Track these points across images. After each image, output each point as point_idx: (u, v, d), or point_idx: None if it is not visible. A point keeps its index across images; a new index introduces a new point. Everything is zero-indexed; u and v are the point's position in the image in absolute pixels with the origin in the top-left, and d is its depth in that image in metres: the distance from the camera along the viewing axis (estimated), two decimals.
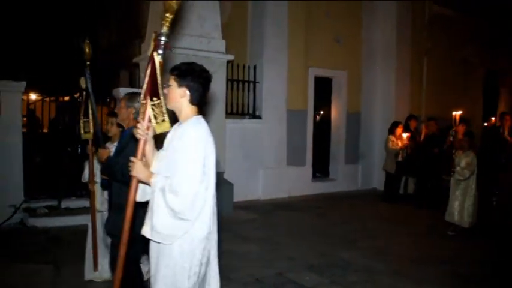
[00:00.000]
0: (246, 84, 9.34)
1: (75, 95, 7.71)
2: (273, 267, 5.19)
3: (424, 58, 12.07)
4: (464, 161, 6.95)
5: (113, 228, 3.38)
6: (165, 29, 2.51)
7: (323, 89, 10.90)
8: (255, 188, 9.35)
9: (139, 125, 2.56)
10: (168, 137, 2.66)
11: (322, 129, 10.90)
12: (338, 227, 7.31)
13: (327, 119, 11.08)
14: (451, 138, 7.66)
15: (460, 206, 6.93)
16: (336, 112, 10.98)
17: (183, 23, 7.51)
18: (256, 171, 9.34)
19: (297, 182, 9.90)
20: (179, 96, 2.60)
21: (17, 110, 6.96)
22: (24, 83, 6.91)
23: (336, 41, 10.62)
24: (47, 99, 8.29)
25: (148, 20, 8.18)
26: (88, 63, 4.10)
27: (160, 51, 2.51)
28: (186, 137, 2.50)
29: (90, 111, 4.34)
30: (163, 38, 2.51)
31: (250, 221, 7.61)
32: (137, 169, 2.52)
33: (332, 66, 10.66)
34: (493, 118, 11.31)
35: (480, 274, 5.19)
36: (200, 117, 2.64)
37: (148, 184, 2.52)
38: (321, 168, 10.97)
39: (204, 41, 7.74)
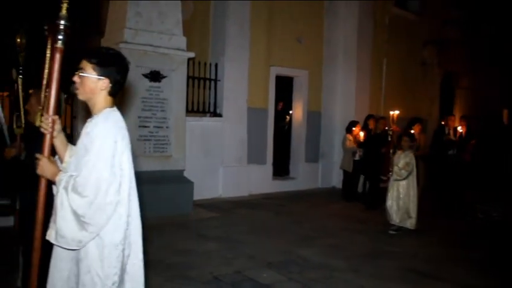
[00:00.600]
0: (207, 82, 9.29)
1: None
2: (232, 265, 5.19)
3: (384, 59, 12.31)
4: (403, 161, 6.99)
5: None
6: (64, 12, 2.27)
7: (284, 88, 10.99)
8: (215, 186, 9.32)
9: (43, 119, 2.29)
10: (82, 131, 2.36)
11: (284, 127, 10.98)
12: (297, 225, 7.38)
13: (283, 117, 11.17)
14: (389, 138, 7.69)
15: (399, 206, 6.98)
16: (297, 111, 11.07)
17: (143, 18, 7.43)
18: (216, 169, 9.32)
19: (257, 180, 9.93)
20: (98, 88, 2.31)
21: None
22: None
23: (297, 41, 10.70)
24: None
25: (108, 17, 8.05)
26: (22, 53, 3.88)
27: (61, 37, 2.27)
28: (94, 132, 2.23)
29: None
30: (62, 22, 2.27)
31: (210, 219, 7.58)
32: (42, 166, 2.25)
33: (293, 65, 10.74)
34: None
35: (435, 269, 5.34)
36: (114, 109, 2.37)
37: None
38: (281, 167, 11.04)
39: (165, 38, 7.65)
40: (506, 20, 18.19)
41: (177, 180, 7.90)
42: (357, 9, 11.32)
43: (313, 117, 11.23)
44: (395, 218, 6.99)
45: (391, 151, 7.15)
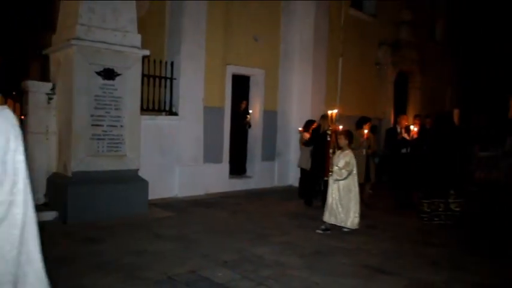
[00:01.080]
0: (163, 81, 9.20)
1: None
2: (186, 265, 5.16)
3: (340, 59, 12.52)
4: (342, 160, 6.88)
5: None
6: None
7: (241, 87, 11.01)
8: (171, 185, 9.25)
9: None
10: None
11: (245, 126, 10.95)
12: (252, 223, 7.40)
13: (245, 116, 11.15)
14: (328, 138, 7.42)
15: (339, 206, 6.86)
16: (254, 110, 11.10)
17: (96, 15, 7.27)
18: (172, 168, 9.24)
19: (214, 179, 9.92)
20: None
21: None
22: None
23: (254, 40, 10.74)
24: None
25: (60, 12, 7.85)
26: None
27: None
28: None
29: None
30: None
31: (165, 218, 7.52)
32: None
33: (250, 64, 10.78)
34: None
35: (387, 264, 5.46)
36: (4, 108, 2.23)
37: None
38: (238, 166, 11.05)
39: (119, 35, 7.50)
40: (457, 22, 18.87)
41: (132, 179, 7.79)
42: (313, 9, 11.46)
43: (270, 116, 11.30)
44: (328, 217, 6.88)
45: (330, 151, 6.92)
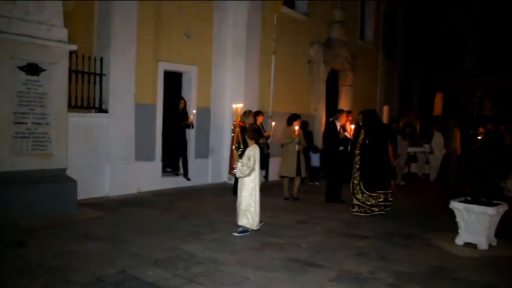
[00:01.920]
0: (92, 77, 8.92)
1: None
2: (116, 265, 5.05)
3: (273, 57, 12.63)
4: (245, 156, 6.52)
5: None
6: None
7: (175, 84, 10.89)
8: (101, 184, 9.00)
9: None
10: None
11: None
12: (185, 221, 7.35)
13: (177, 113, 11.00)
14: (232, 134, 7.41)
15: (242, 205, 6.59)
16: (187, 107, 10.99)
17: (17, 6, 6.92)
18: (103, 167, 9.00)
19: (146, 177, 9.76)
20: None
21: None
22: None
23: (186, 36, 10.64)
24: None
25: None
26: None
27: None
28: None
29: None
30: None
31: (95, 219, 7.31)
32: None
33: (182, 60, 10.67)
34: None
35: (317, 257, 5.62)
36: None
37: None
38: (171, 163, 10.92)
39: (44, 28, 7.18)
40: (387, 23, 19.61)
41: (59, 179, 7.51)
42: (246, 7, 11.50)
43: (203, 113, 11.24)
44: (242, 220, 6.58)
45: (233, 147, 6.63)
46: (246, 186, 6.55)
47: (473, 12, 22.74)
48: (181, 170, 10.82)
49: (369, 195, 8.26)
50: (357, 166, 8.44)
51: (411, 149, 14.24)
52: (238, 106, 6.84)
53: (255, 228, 6.58)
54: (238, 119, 6.81)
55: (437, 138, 13.98)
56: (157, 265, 5.12)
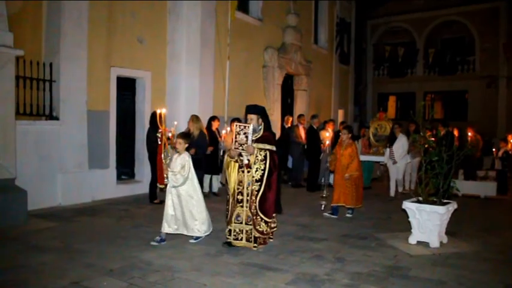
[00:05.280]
0: (41, 83, 8.65)
1: None
2: (68, 277, 4.89)
3: (227, 62, 12.61)
4: (178, 164, 6.24)
5: None
6: None
7: (129, 89, 10.71)
8: (53, 194, 8.72)
9: None
10: None
11: (127, 130, 10.62)
12: (140, 229, 7.20)
13: (131, 119, 10.83)
14: (159, 142, 6.45)
15: (180, 214, 6.34)
16: (140, 113, 10.82)
17: None
18: (54, 176, 8.72)
19: (100, 185, 9.52)
20: None
21: None
22: None
23: (138, 41, 10.48)
24: None
25: None
26: None
27: None
28: None
29: None
30: None
31: (47, 229, 7.06)
32: None
33: (136, 66, 10.50)
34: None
35: (273, 261, 5.61)
36: None
37: None
38: (127, 170, 10.73)
39: None
40: (340, 26, 19.98)
41: (7, 189, 7.22)
42: (200, 12, 11.43)
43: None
44: (169, 226, 6.32)
45: (162, 155, 6.24)
46: (190, 194, 6.34)
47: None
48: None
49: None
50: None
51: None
52: (162, 111, 6.25)
53: (203, 235, 6.42)
54: (163, 125, 6.27)
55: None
56: (112, 275, 5.00)
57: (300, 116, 13.14)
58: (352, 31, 21.99)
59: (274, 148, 6.22)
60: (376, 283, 4.95)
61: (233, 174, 6.22)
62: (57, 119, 8.80)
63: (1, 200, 7.00)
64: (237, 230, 6.19)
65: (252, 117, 6.25)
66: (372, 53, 26.33)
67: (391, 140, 11.22)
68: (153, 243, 6.25)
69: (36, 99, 8.58)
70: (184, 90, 11.36)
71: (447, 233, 6.73)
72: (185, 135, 6.68)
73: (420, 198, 6.81)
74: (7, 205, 7.11)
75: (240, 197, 6.17)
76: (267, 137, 6.25)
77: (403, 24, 25.09)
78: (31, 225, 7.21)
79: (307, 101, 17.21)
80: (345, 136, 8.58)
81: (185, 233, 6.36)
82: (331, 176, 10.94)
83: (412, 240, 6.64)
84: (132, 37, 10.36)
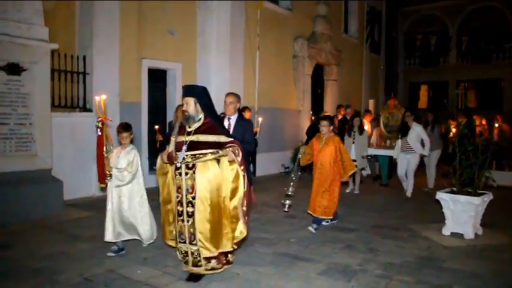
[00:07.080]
0: (75, 76, 8.83)
1: None
2: (104, 265, 5.01)
3: (257, 52, 12.59)
4: (124, 160, 5.41)
5: None
6: None
7: (160, 81, 10.83)
8: (88, 184, 8.93)
9: None
10: None
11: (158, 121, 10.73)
12: None
13: (163, 111, 10.95)
14: (99, 132, 5.40)
15: (122, 217, 5.56)
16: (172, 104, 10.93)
17: None
18: (89, 166, 8.89)
19: None
20: None
21: None
22: None
23: (170, 33, 10.57)
24: None
25: None
26: None
27: None
28: None
29: None
30: None
31: (82, 219, 7.25)
32: None
33: (166, 58, 10.61)
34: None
35: (306, 251, 5.62)
36: None
37: None
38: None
39: (24, 27, 7.07)
40: (370, 15, 19.70)
41: (44, 180, 7.43)
42: (229, 2, 11.45)
43: None
44: (111, 235, 5.48)
45: (104, 149, 5.28)
46: (133, 195, 5.57)
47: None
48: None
49: None
50: None
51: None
52: (102, 97, 5.21)
53: (150, 242, 5.73)
54: (103, 114, 5.27)
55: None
56: (146, 263, 5.11)
57: (339, 106, 12.55)
58: (382, 20, 21.62)
59: (222, 139, 4.60)
60: (410, 274, 4.90)
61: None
62: (90, 110, 8.97)
63: (38, 190, 7.21)
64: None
65: (188, 100, 4.60)
66: (402, 42, 25.86)
67: (403, 130, 9.42)
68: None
69: (70, 91, 8.77)
70: (215, 81, 11.41)
71: (482, 224, 6.60)
72: (127, 126, 5.57)
73: (454, 189, 6.69)
74: (44, 195, 7.31)
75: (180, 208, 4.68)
76: (208, 124, 4.62)
77: (435, 11, 24.52)
78: (67, 215, 7.40)
79: (338, 91, 17.04)
80: (324, 129, 6.68)
81: (136, 237, 5.64)
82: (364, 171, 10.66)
83: (446, 231, 6.54)
84: (163, 29, 10.45)
